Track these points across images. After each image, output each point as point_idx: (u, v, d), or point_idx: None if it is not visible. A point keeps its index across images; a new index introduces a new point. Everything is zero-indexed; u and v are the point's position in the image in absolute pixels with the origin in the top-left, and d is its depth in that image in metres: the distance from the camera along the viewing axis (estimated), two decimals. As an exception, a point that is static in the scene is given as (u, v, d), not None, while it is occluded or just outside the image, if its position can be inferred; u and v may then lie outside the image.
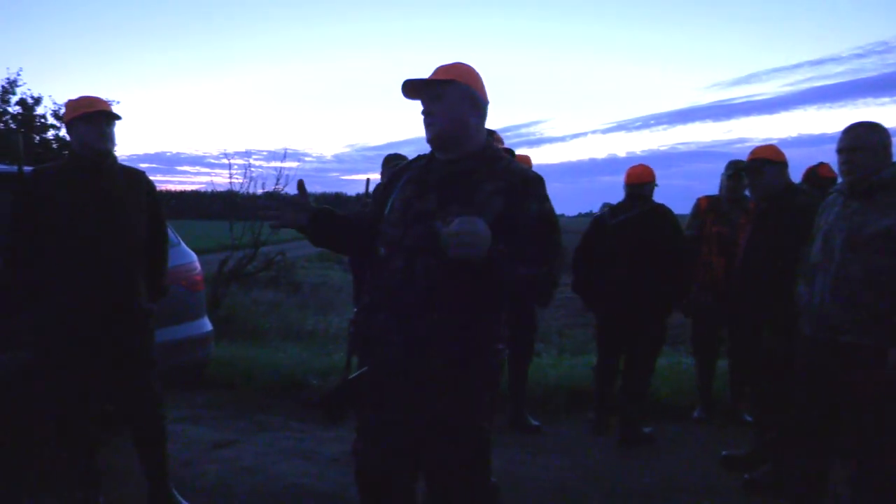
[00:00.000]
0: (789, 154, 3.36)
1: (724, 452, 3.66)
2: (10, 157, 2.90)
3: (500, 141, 3.22)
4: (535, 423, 4.19)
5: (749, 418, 4.09)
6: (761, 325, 3.21)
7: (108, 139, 2.77)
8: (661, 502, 3.20)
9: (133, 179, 2.89)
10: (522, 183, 1.86)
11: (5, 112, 16.49)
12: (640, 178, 4.05)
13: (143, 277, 2.87)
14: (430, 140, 1.94)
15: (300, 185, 2.01)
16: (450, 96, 1.88)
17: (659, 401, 4.51)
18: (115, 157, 2.88)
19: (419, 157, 2.06)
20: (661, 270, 3.90)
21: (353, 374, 2.00)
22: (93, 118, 2.72)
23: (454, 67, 1.93)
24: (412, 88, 1.92)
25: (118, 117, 2.80)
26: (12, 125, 16.30)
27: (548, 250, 1.82)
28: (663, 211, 4.06)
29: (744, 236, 3.49)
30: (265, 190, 9.18)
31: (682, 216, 4.72)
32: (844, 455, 2.89)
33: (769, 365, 3.19)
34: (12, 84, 16.43)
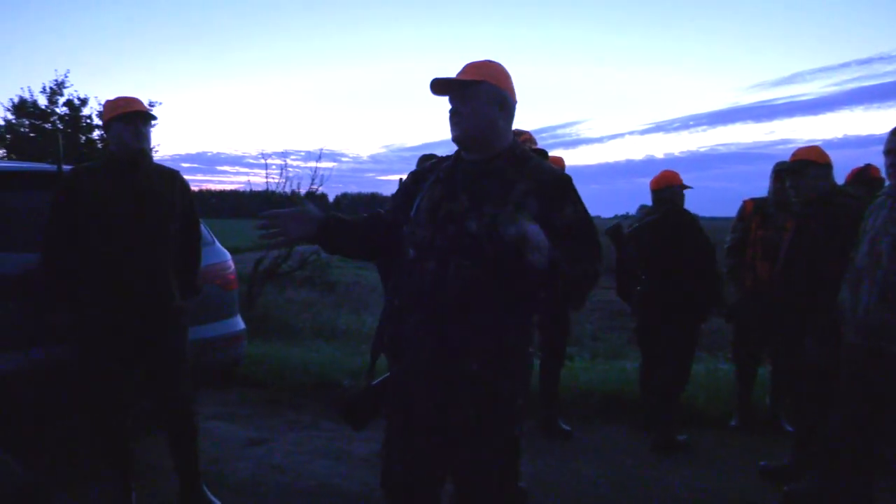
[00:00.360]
0: (834, 156, 3.26)
1: (762, 463, 3.55)
2: (53, 156, 2.97)
3: (533, 141, 3.17)
4: (566, 427, 4.12)
5: (790, 428, 3.97)
6: (803, 332, 3.10)
7: (144, 138, 2.81)
8: (695, 513, 3.12)
9: (167, 178, 2.92)
10: (554, 184, 1.84)
11: (53, 113, 16.97)
12: (657, 184, 4.07)
13: (175, 275, 2.90)
14: (455, 139, 1.92)
15: (294, 197, 1.98)
16: (478, 97, 1.85)
17: (695, 408, 4.41)
18: (150, 157, 2.93)
19: (445, 158, 2.03)
20: (683, 276, 3.84)
21: (377, 380, 1.98)
22: (129, 118, 2.77)
23: (484, 66, 1.89)
24: (441, 86, 1.90)
25: (154, 117, 2.85)
26: (59, 126, 16.76)
27: (587, 249, 1.80)
28: (679, 215, 4.02)
29: (786, 239, 3.39)
30: (298, 190, 9.27)
31: (720, 219, 4.62)
32: (889, 467, 2.78)
33: (811, 373, 3.09)
34: (60, 86, 16.89)
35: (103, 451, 2.86)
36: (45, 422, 3.16)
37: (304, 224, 1.89)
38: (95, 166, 2.86)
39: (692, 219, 4.04)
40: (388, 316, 1.98)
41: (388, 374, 1.98)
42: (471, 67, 1.89)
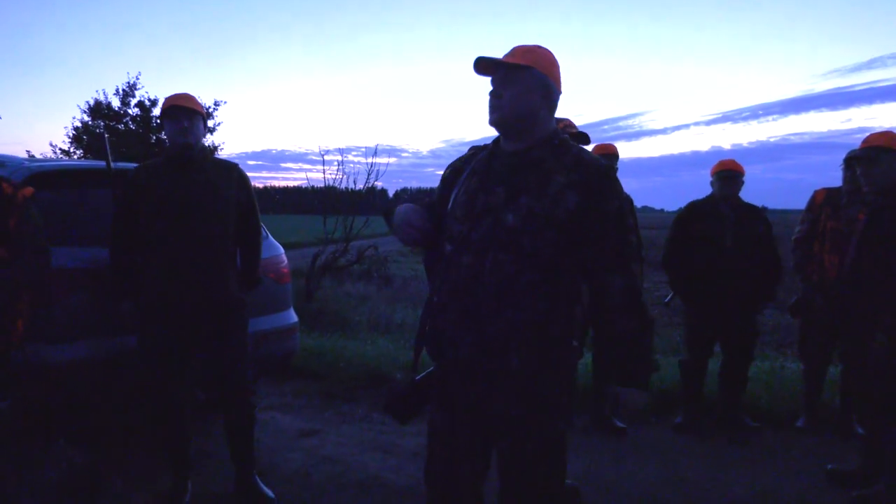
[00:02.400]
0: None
1: (829, 466, 3.38)
2: (102, 155, 3.10)
3: (572, 126, 3.06)
4: (620, 424, 4.02)
5: (861, 430, 3.76)
6: (874, 330, 2.92)
7: (188, 133, 2.85)
8: (755, 517, 2.98)
9: (225, 172, 2.97)
10: (599, 178, 1.76)
11: (126, 114, 17.75)
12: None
13: (234, 267, 2.96)
14: (492, 123, 1.85)
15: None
16: (523, 83, 1.79)
17: (758, 407, 4.24)
18: (205, 151, 2.99)
19: (481, 148, 1.98)
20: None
21: (421, 374, 1.97)
22: (172, 113, 2.85)
23: (533, 51, 1.82)
24: (485, 65, 1.84)
25: (197, 113, 2.90)
26: (132, 126, 17.51)
27: (621, 251, 1.77)
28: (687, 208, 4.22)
29: (857, 230, 3.20)
30: (360, 186, 9.41)
31: (794, 211, 4.47)
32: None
33: (883, 373, 2.90)
34: (132, 88, 17.66)
35: (162, 439, 2.94)
36: (107, 411, 3.28)
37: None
38: (156, 162, 2.96)
39: (695, 207, 4.17)
40: (430, 311, 1.96)
41: (432, 368, 1.97)
42: (519, 51, 1.83)
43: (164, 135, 2.96)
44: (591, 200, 1.74)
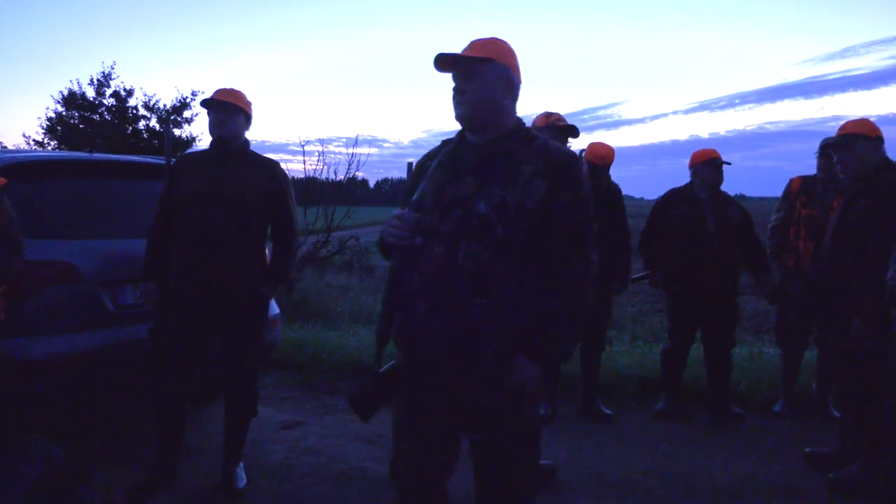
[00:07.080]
0: (890, 133, 3.10)
1: (807, 449, 3.43)
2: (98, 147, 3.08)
3: (563, 120, 3.07)
4: (607, 411, 4.05)
5: (837, 414, 3.83)
6: (851, 314, 2.97)
7: (223, 126, 2.89)
8: (736, 501, 3.01)
9: (259, 169, 2.98)
10: (565, 166, 1.80)
11: (101, 104, 17.42)
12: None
13: (258, 262, 2.97)
14: (458, 118, 1.87)
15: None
16: (485, 76, 1.81)
17: (738, 393, 4.30)
18: (244, 145, 3.00)
19: (448, 141, 1.97)
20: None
21: (384, 368, 1.93)
22: (211, 106, 2.90)
23: (492, 44, 1.84)
24: (445, 62, 1.84)
25: (236, 108, 2.91)
26: (107, 117, 17.20)
27: (579, 241, 1.80)
28: (665, 195, 4.27)
29: (833, 217, 3.24)
30: (341, 176, 9.36)
31: (771, 198, 4.54)
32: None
33: (859, 357, 2.95)
34: (107, 77, 17.31)
35: (159, 428, 2.93)
36: (86, 405, 3.25)
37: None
38: (199, 153, 3.03)
39: (673, 194, 4.19)
40: (392, 303, 1.88)
41: (394, 362, 1.93)
42: (478, 45, 1.85)
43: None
44: (556, 187, 1.77)
